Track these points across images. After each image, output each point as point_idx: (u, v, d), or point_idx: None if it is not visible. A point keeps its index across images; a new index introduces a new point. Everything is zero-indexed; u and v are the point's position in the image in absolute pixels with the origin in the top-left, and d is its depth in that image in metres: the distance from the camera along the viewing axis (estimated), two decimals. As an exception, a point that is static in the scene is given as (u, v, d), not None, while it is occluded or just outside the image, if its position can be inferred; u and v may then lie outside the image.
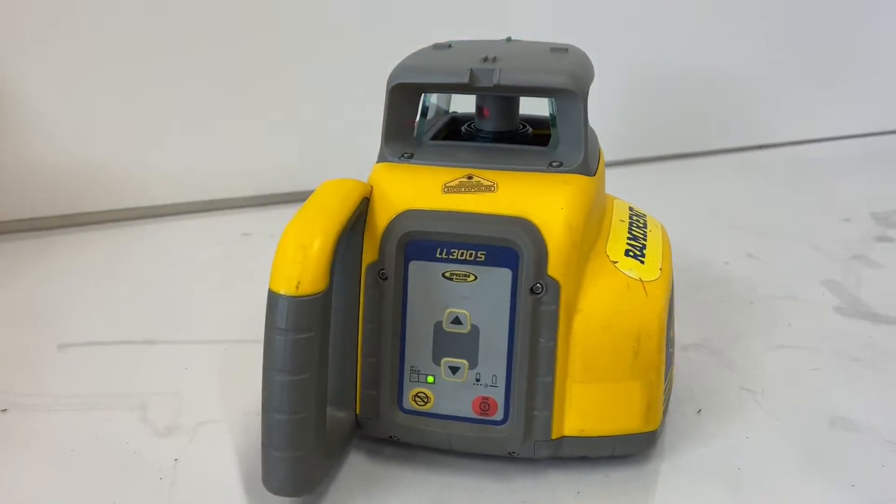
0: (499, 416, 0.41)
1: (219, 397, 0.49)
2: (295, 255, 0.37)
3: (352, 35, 0.80)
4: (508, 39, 0.50)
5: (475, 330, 0.41)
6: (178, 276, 0.66)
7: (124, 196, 0.77)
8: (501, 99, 0.47)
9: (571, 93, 0.41)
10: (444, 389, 0.42)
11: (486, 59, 0.43)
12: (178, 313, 0.59)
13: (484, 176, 0.42)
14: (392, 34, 0.81)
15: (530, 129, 0.48)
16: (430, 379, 0.42)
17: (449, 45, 0.48)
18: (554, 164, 0.42)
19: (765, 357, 0.53)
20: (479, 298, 0.41)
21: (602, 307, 0.40)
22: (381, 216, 0.41)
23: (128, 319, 0.58)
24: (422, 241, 0.40)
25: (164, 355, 0.54)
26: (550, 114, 0.45)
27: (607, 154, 0.52)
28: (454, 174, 0.42)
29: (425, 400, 0.42)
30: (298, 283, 0.36)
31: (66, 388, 0.50)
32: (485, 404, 0.41)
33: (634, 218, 0.48)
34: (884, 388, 0.50)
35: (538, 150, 0.44)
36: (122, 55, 0.73)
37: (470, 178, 0.42)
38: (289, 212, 0.39)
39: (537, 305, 0.40)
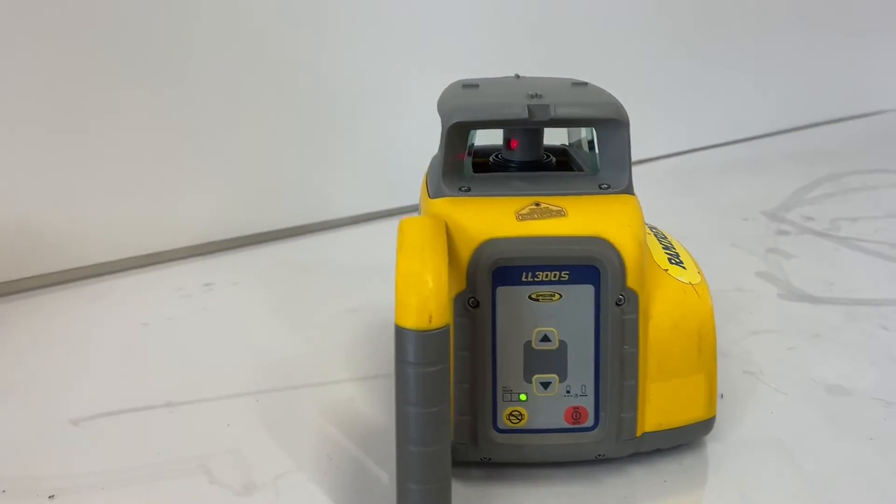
0: (589, 422, 0.44)
1: (280, 447, 0.48)
2: (421, 289, 0.38)
3: (288, 77, 0.80)
4: (517, 76, 0.54)
5: (563, 345, 0.44)
6: (157, 333, 0.63)
7: (62, 256, 0.71)
8: (530, 131, 0.50)
9: (618, 122, 0.46)
10: (536, 405, 0.44)
11: (533, 95, 0.46)
12: (183, 372, 0.57)
13: (549, 202, 0.45)
14: (331, 78, 0.82)
15: (553, 158, 0.52)
16: (523, 397, 0.44)
17: (477, 85, 0.51)
18: (603, 186, 0.47)
19: (747, 343, 0.61)
20: (564, 315, 0.44)
21: (669, 311, 0.45)
22: (464, 247, 0.43)
23: (131, 385, 0.55)
24: (508, 266, 0.43)
25: (196, 415, 0.51)
26: (589, 140, 0.49)
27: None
28: (521, 202, 0.45)
29: (519, 417, 0.44)
30: (431, 316, 0.38)
31: (107, 463, 0.46)
32: (576, 413, 0.44)
33: (653, 230, 0.53)
34: (850, 356, 0.59)
35: (581, 175, 0.49)
36: (48, 109, 0.68)
37: (538, 205, 0.45)
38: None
39: (621, 316, 0.43)
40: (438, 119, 0.46)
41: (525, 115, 0.45)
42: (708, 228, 0.86)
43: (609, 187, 0.46)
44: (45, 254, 0.70)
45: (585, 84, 0.51)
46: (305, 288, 0.72)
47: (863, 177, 1.05)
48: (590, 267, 0.43)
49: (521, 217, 0.44)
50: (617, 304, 0.43)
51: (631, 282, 0.43)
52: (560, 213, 0.44)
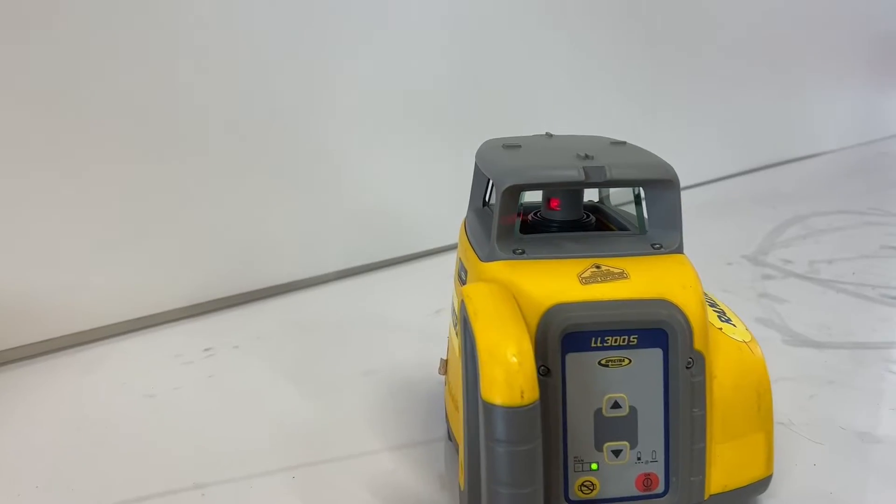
0: (660, 489, 0.44)
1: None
2: (509, 364, 0.37)
3: (273, 137, 0.78)
4: (549, 135, 0.54)
5: (633, 411, 0.43)
6: (167, 406, 0.59)
7: (46, 324, 0.66)
8: (571, 191, 0.50)
9: (671, 182, 0.46)
10: (608, 474, 0.43)
11: (584, 157, 0.46)
12: (206, 448, 0.53)
13: (609, 264, 0.45)
14: (314, 137, 0.81)
15: (592, 217, 0.51)
16: (594, 466, 0.43)
17: (519, 146, 0.50)
18: (655, 245, 0.46)
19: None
20: (634, 380, 0.43)
21: (730, 371, 0.45)
22: (530, 313, 0.42)
23: (153, 466, 0.51)
24: (577, 332, 0.42)
25: (234, 497, 0.48)
26: (636, 197, 0.49)
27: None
28: (581, 265, 0.44)
29: (591, 488, 0.43)
30: (522, 392, 0.36)
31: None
32: (647, 480, 0.44)
33: (691, 286, 0.54)
34: (868, 401, 0.60)
35: (630, 235, 0.48)
36: (32, 168, 0.64)
37: (598, 267, 0.44)
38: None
39: (690, 379, 0.43)
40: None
41: (581, 177, 0.44)
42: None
43: (661, 247, 0.46)
44: (27, 322, 0.66)
45: (624, 143, 0.51)
46: (310, 348, 0.69)
47: (826, 218, 1.09)
48: (658, 330, 0.43)
49: (585, 280, 0.43)
50: (686, 367, 0.43)
51: (698, 344, 0.43)
52: (622, 276, 0.44)
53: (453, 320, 0.53)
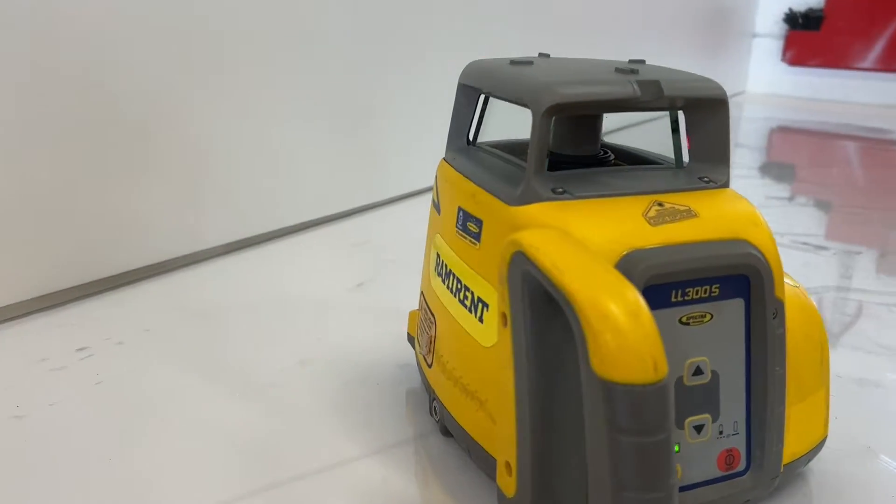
0: (741, 466, 0.36)
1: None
2: (635, 328, 0.27)
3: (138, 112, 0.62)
4: (546, 55, 0.45)
5: (715, 377, 0.35)
6: (45, 429, 0.43)
7: None
8: (589, 121, 0.41)
9: (724, 103, 0.39)
10: (690, 455, 0.35)
11: (630, 71, 0.37)
12: (118, 485, 0.39)
13: (671, 201, 0.36)
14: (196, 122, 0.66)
15: (610, 153, 0.43)
16: (676, 448, 0.35)
17: (531, 62, 0.41)
18: (704, 180, 0.39)
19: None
20: (715, 340, 0.35)
21: (797, 320, 0.39)
22: (599, 264, 0.33)
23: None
24: (657, 285, 0.34)
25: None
26: (673, 126, 0.41)
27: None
28: (640, 203, 0.36)
29: (673, 474, 0.35)
30: (655, 363, 0.27)
31: None
32: (729, 457, 0.36)
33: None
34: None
35: (668, 169, 0.41)
36: None
37: (661, 205, 0.36)
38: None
39: (775, 332, 0.36)
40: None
41: (637, 93, 0.36)
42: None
43: (710, 181, 0.39)
44: None
45: (644, 62, 0.43)
46: (218, 337, 0.55)
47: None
48: (740, 277, 0.35)
49: (653, 221, 0.35)
50: (773, 319, 0.36)
51: (778, 290, 0.36)
52: (691, 214, 0.36)
53: (440, 276, 0.42)
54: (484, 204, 0.38)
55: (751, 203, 0.38)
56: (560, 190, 0.36)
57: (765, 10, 2.05)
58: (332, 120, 0.81)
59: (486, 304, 0.38)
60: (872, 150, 1.52)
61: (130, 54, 0.60)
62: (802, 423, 0.39)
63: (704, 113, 0.39)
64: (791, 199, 1.08)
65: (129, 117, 0.61)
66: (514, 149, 0.43)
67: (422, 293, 0.48)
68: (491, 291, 0.37)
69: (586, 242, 0.33)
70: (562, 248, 0.31)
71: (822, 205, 1.07)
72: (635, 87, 0.36)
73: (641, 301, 0.28)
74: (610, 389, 0.27)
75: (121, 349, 0.52)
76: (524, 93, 0.36)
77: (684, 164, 0.41)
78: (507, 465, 0.35)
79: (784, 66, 2.00)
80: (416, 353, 0.49)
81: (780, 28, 2.05)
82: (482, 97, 0.44)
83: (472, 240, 0.39)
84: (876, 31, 1.93)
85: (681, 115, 0.41)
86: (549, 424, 0.33)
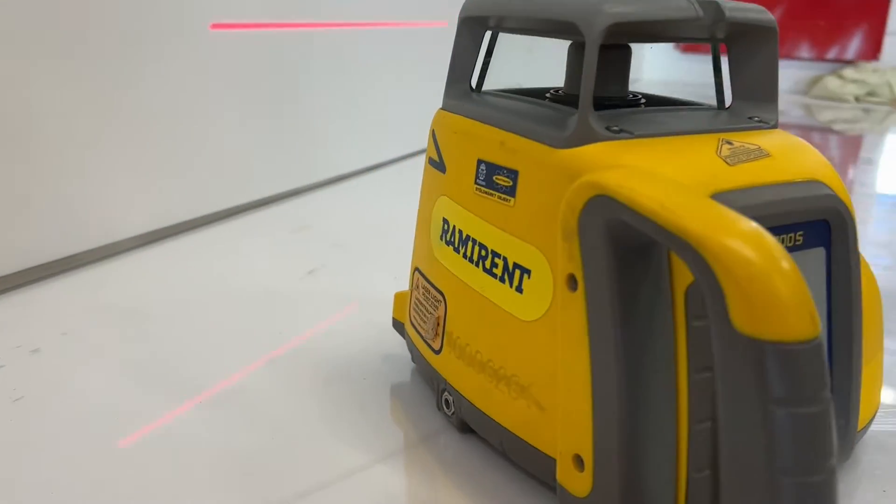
0: (826, 439, 0.32)
1: None
2: (786, 272, 0.22)
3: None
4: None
5: (802, 338, 0.31)
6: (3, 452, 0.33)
7: None
8: (620, 55, 0.36)
9: (775, 32, 0.34)
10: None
11: (678, -8, 0.32)
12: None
13: (739, 139, 0.32)
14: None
15: (641, 96, 0.38)
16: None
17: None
18: (755, 119, 0.35)
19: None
20: (802, 296, 0.31)
21: (863, 275, 0.35)
22: (684, 211, 0.28)
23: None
24: (748, 233, 0.28)
25: None
26: (715, 64, 0.36)
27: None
28: (709, 142, 0.31)
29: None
30: (811, 315, 0.22)
31: None
32: (816, 430, 0.32)
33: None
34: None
35: (714, 110, 0.36)
36: None
37: (731, 143, 0.31)
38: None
39: (857, 286, 0.32)
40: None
41: (699, 14, 0.31)
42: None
43: (761, 122, 0.35)
44: None
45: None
46: (151, 339, 0.46)
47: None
48: (821, 223, 0.31)
49: (730, 161, 0.30)
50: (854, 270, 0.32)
51: (854, 240, 0.32)
52: (763, 154, 0.31)
53: (451, 245, 0.36)
54: (519, 151, 0.32)
55: (809, 144, 0.34)
56: (616, 128, 0.30)
57: None
58: (257, 91, 0.72)
59: (526, 271, 0.32)
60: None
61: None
62: (869, 387, 0.35)
63: (755, 44, 0.35)
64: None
65: (21, 95, 0.51)
66: (529, 96, 0.37)
67: (416, 270, 0.41)
68: (533, 254, 0.31)
69: (664, 186, 0.28)
70: (657, 186, 0.25)
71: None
72: (697, 7, 0.31)
73: (781, 244, 0.23)
74: (761, 350, 0.22)
75: (38, 358, 0.43)
76: (572, 13, 0.30)
77: (727, 107, 0.36)
78: (577, 458, 0.29)
79: (677, 54, 2.05)
80: (408, 340, 0.42)
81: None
82: (489, 34, 0.38)
83: (504, 195, 0.33)
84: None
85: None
86: (639, 408, 0.27)
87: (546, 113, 0.34)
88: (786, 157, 0.32)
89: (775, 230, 0.29)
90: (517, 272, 0.32)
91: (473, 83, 0.39)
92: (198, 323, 0.49)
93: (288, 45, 0.75)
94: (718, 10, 0.31)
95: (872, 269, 0.35)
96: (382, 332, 0.46)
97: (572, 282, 0.28)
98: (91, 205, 0.57)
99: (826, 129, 1.63)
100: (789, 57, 2.01)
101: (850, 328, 0.32)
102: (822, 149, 1.52)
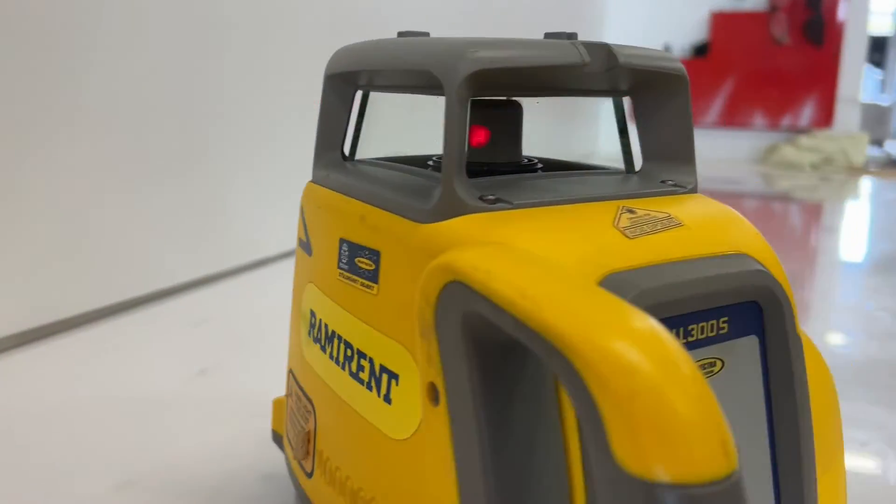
0: (774, 575, 0.26)
1: None
2: (685, 387, 0.16)
3: None
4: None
5: (735, 450, 0.25)
6: None
7: None
8: (509, 112, 0.31)
9: (685, 80, 0.29)
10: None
11: (567, 35, 0.27)
12: None
13: (644, 207, 0.26)
14: None
15: (537, 161, 0.33)
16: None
17: (427, 33, 0.30)
18: (669, 183, 0.29)
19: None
20: (730, 397, 0.25)
21: (811, 361, 0.29)
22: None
23: None
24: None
25: None
26: (621, 126, 0.31)
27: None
28: (605, 211, 0.25)
29: None
30: (724, 446, 0.16)
31: None
32: (761, 566, 0.25)
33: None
34: None
35: (622, 174, 0.31)
36: None
37: (633, 211, 0.26)
38: None
39: (802, 379, 0.26)
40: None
41: (584, 58, 0.26)
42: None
43: (675, 185, 0.29)
44: None
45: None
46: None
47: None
48: (750, 306, 0.25)
49: (630, 233, 0.24)
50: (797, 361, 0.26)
51: (797, 322, 0.26)
52: (673, 223, 0.26)
53: (318, 343, 0.30)
54: (381, 228, 0.26)
55: (735, 210, 0.29)
56: (492, 198, 0.25)
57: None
58: (152, 165, 0.66)
59: (394, 375, 0.25)
60: (723, 201, 1.54)
61: None
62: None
63: (663, 96, 0.30)
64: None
65: None
66: (407, 164, 0.32)
67: (290, 372, 0.34)
68: (400, 354, 0.25)
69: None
70: (523, 270, 0.20)
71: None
72: (582, 52, 0.26)
73: (680, 345, 0.17)
74: (652, 495, 0.15)
75: None
76: (430, 61, 0.25)
77: (636, 171, 0.31)
78: None
79: (633, 126, 2.05)
80: (286, 457, 0.35)
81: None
82: (359, 93, 0.33)
83: (366, 282, 0.27)
84: (714, 90, 2.02)
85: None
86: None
87: (418, 182, 0.28)
88: (703, 226, 0.26)
89: (695, 316, 0.24)
90: (384, 377, 0.26)
91: (347, 147, 0.33)
92: (54, 438, 0.41)
93: (197, 97, 0.70)
94: (610, 55, 0.26)
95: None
96: (269, 444, 0.39)
97: (433, 392, 0.22)
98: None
99: (785, 198, 1.61)
100: (744, 126, 2.01)
101: (798, 434, 0.26)
102: (784, 217, 1.51)
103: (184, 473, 0.38)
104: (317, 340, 0.31)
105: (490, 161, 0.31)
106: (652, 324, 0.17)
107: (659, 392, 0.16)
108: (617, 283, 0.22)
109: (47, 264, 0.56)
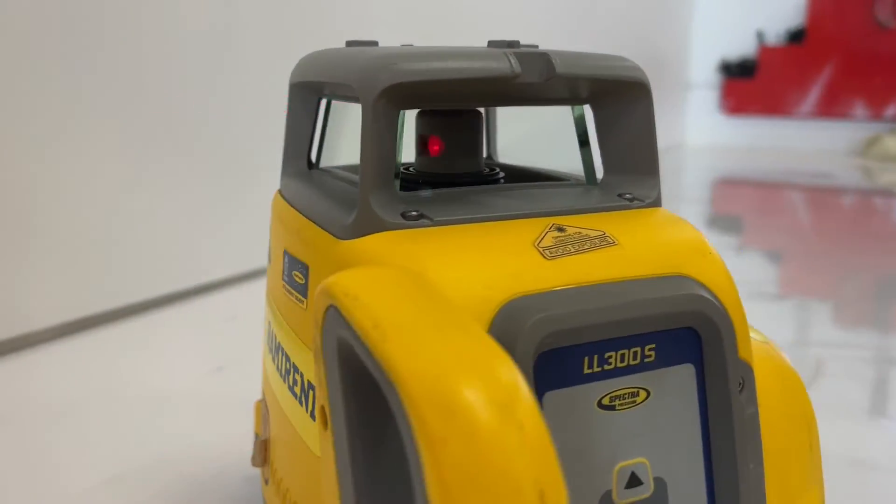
0: None
1: None
2: (506, 430, 0.15)
3: None
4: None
5: (661, 486, 0.23)
6: None
7: None
8: (466, 121, 0.30)
9: (646, 88, 0.28)
10: None
11: (507, 44, 0.26)
12: None
13: (577, 224, 0.25)
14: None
15: (499, 171, 0.32)
16: None
17: (376, 42, 0.29)
18: (625, 196, 0.28)
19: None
20: (657, 430, 0.23)
21: (770, 390, 0.27)
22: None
23: None
24: (560, 348, 0.21)
25: None
26: (578, 124, 0.30)
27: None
28: (530, 228, 0.24)
29: None
30: (542, 495, 0.15)
31: None
32: None
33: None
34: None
35: (577, 186, 0.29)
36: None
37: (561, 229, 0.24)
38: None
39: (744, 411, 0.24)
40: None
41: (514, 69, 0.24)
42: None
43: (634, 199, 0.28)
44: None
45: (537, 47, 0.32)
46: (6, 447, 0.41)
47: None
48: (686, 332, 0.23)
49: (550, 253, 0.23)
50: (738, 392, 0.24)
51: (743, 350, 0.24)
52: (606, 242, 0.24)
53: (272, 353, 0.30)
54: (309, 242, 0.26)
55: (694, 227, 0.27)
56: (414, 214, 0.24)
57: (698, 60, 2.02)
58: (189, 163, 0.68)
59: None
60: (818, 197, 1.45)
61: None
62: (792, 540, 0.27)
63: (621, 105, 0.28)
64: (740, 250, 0.99)
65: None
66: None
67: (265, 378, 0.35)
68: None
69: (449, 286, 0.21)
70: (393, 297, 0.19)
71: (773, 256, 0.98)
72: (513, 62, 0.24)
73: (520, 382, 0.16)
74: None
75: None
76: (351, 75, 0.24)
77: (598, 182, 0.30)
78: None
79: (722, 116, 1.97)
80: (261, 460, 0.36)
81: (715, 78, 2.03)
82: (324, 101, 0.32)
83: (299, 296, 0.27)
84: (810, 78, 1.91)
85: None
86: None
87: (355, 195, 0.28)
88: (642, 245, 0.24)
89: (613, 343, 0.22)
90: (311, 393, 0.26)
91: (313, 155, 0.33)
92: (54, 432, 0.43)
93: (234, 95, 0.72)
94: (547, 64, 0.25)
95: None
96: (259, 444, 0.40)
97: (323, 416, 0.22)
98: None
99: (888, 193, 1.51)
100: (843, 116, 1.89)
101: (735, 471, 0.24)
102: (886, 214, 1.41)
103: (170, 471, 0.39)
104: (270, 350, 0.31)
105: (446, 172, 0.30)
106: (501, 367, 0.16)
107: (472, 438, 0.15)
108: (519, 308, 0.21)
109: (82, 260, 0.59)
